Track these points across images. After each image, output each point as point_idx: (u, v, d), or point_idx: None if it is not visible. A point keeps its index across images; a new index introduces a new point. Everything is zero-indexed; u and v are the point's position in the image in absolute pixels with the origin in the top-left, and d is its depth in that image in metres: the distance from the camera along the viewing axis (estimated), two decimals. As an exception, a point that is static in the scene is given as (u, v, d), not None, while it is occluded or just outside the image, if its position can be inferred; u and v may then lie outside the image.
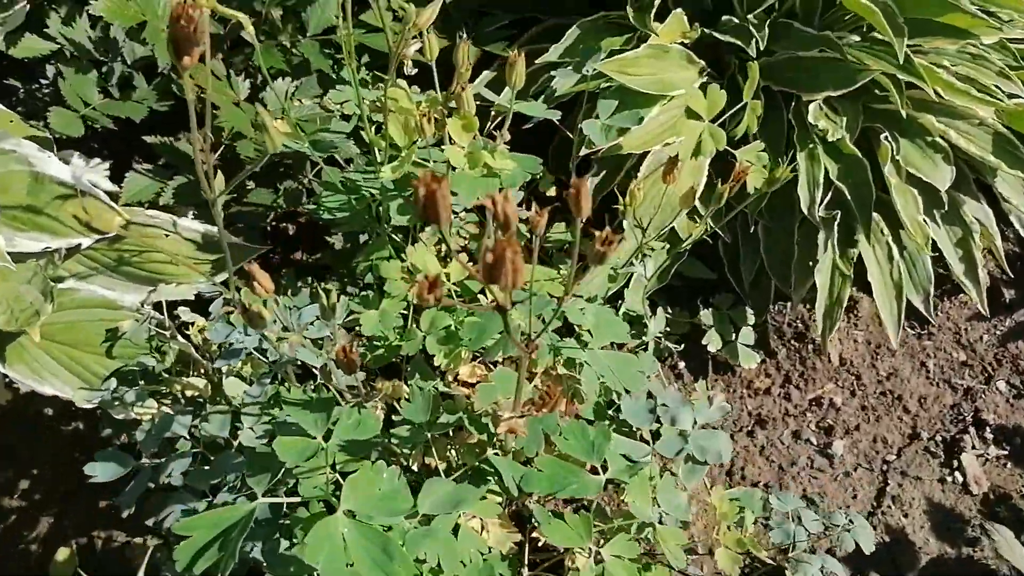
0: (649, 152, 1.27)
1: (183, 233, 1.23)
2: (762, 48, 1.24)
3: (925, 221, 1.27)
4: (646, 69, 1.21)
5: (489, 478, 1.08)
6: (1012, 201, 1.35)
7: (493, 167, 0.99)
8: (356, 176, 1.13)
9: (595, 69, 1.17)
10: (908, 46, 1.14)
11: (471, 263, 1.14)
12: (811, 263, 1.35)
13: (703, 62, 1.29)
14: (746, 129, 1.19)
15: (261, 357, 1.03)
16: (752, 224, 1.35)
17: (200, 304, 1.21)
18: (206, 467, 1.04)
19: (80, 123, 1.25)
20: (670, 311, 1.43)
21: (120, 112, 1.28)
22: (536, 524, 1.15)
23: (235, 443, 1.05)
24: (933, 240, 1.32)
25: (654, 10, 1.25)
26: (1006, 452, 1.45)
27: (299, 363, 0.99)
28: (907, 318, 1.47)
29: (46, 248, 1.12)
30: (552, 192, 1.37)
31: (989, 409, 1.48)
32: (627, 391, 1.11)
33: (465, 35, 0.96)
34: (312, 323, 1.05)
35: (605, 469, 0.98)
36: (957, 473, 1.43)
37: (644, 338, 1.27)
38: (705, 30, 1.31)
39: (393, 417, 1.03)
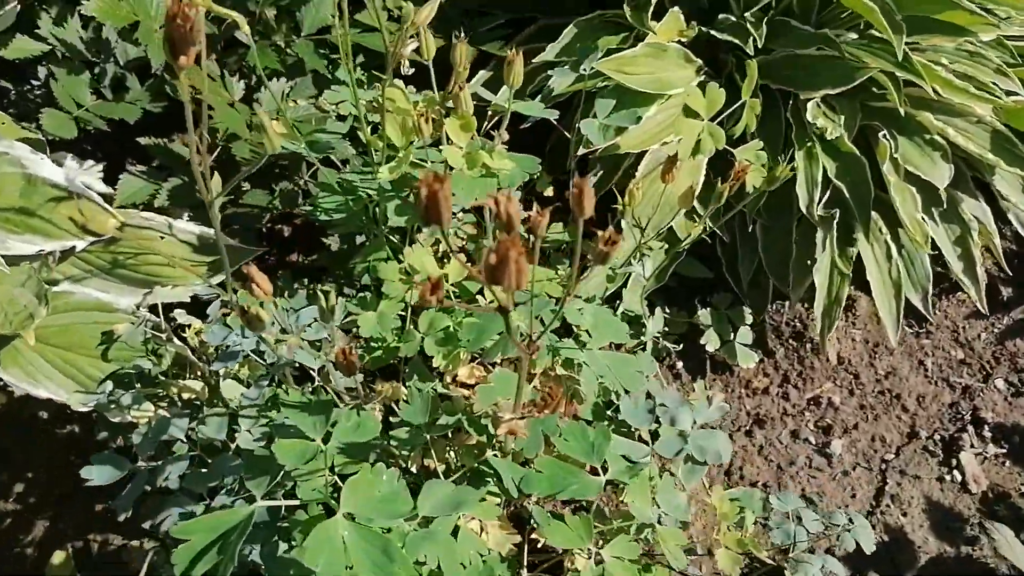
0: (647, 151, 1.26)
1: (178, 235, 1.22)
2: (760, 46, 1.24)
3: (924, 219, 1.27)
4: (644, 68, 1.21)
5: (488, 479, 1.08)
6: (1011, 199, 1.35)
7: (491, 167, 0.99)
8: (353, 177, 1.12)
9: (593, 68, 1.16)
10: (906, 44, 1.14)
11: (469, 264, 1.14)
12: (809, 262, 1.34)
13: (700, 61, 1.29)
14: (744, 128, 1.18)
15: (258, 359, 1.02)
16: (750, 223, 1.35)
17: (196, 306, 1.20)
18: (203, 470, 1.03)
19: (73, 125, 1.24)
20: (668, 311, 1.43)
21: (113, 113, 1.27)
22: (535, 525, 1.14)
23: (232, 446, 1.04)
24: (932, 238, 1.31)
25: (651, 9, 1.24)
26: (1004, 450, 1.45)
27: (297, 365, 0.98)
28: (905, 317, 1.47)
29: (40, 251, 1.11)
30: (550, 192, 1.36)
31: (987, 407, 1.48)
32: (626, 391, 1.11)
33: (466, 32, 0.95)
34: (309, 325, 1.04)
35: (605, 470, 0.98)
36: (956, 472, 1.43)
37: (642, 338, 1.26)
38: (702, 29, 1.30)
39: (391, 419, 1.02)
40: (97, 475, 1.02)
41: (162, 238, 1.20)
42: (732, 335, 1.42)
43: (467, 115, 0.96)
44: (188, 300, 1.20)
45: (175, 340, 1.10)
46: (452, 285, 1.10)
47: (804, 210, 1.25)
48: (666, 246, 1.24)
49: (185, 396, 1.11)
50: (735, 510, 1.05)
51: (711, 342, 1.42)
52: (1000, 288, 1.56)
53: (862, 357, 1.51)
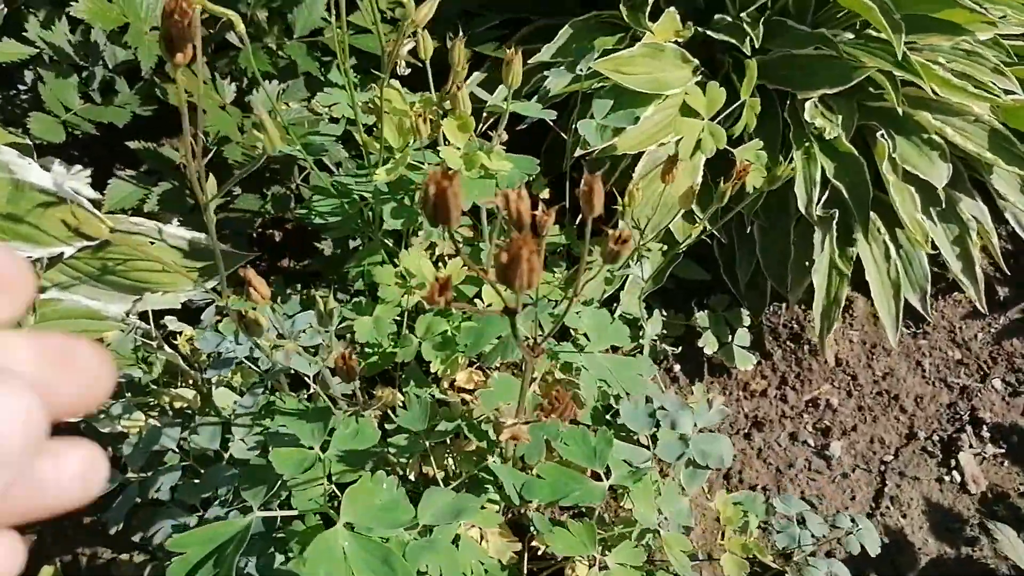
0: (644, 152, 1.25)
1: (169, 240, 1.20)
2: (757, 46, 1.23)
3: (922, 219, 1.26)
4: (641, 68, 1.20)
5: (487, 486, 1.06)
6: (1009, 198, 1.35)
7: (490, 168, 0.97)
8: (348, 179, 1.10)
9: (590, 68, 1.15)
10: (904, 43, 1.13)
11: (465, 267, 1.12)
12: (807, 263, 1.33)
13: (697, 61, 1.28)
14: (743, 128, 1.17)
15: (253, 366, 1.00)
16: (748, 225, 1.34)
17: (187, 313, 1.17)
18: (196, 481, 1.01)
19: (61, 129, 1.22)
20: (665, 313, 1.42)
21: (102, 117, 1.25)
22: (536, 533, 1.13)
23: (226, 456, 1.02)
24: (931, 238, 1.31)
25: (648, 9, 1.23)
26: (1003, 450, 1.44)
27: (291, 372, 0.96)
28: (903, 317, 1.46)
29: (28, 257, 1.08)
30: (546, 194, 1.35)
31: (985, 407, 1.47)
32: (626, 395, 1.09)
33: (462, 32, 0.93)
34: (304, 331, 1.02)
35: (608, 475, 0.96)
36: (955, 472, 1.42)
37: (640, 341, 1.25)
38: (698, 29, 1.29)
39: (386, 426, 1.01)
40: (87, 486, 0.99)
41: (152, 243, 1.18)
42: (730, 337, 1.41)
43: (465, 115, 0.95)
44: (179, 306, 1.18)
45: (166, 347, 1.08)
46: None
47: (803, 210, 1.24)
48: (664, 247, 1.23)
49: (177, 405, 1.09)
50: (739, 514, 1.04)
51: (709, 344, 1.41)
52: (997, 288, 1.56)
53: (860, 358, 1.50)
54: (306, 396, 1.02)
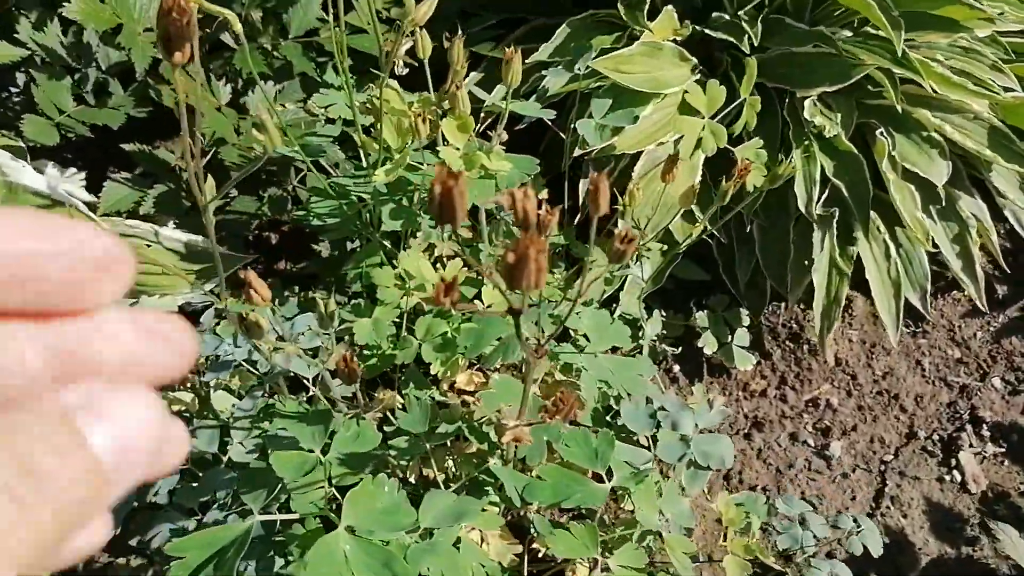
0: (643, 152, 1.24)
1: (165, 243, 1.18)
2: (756, 44, 1.23)
3: (922, 217, 1.26)
4: (640, 67, 1.19)
5: (487, 488, 1.06)
6: (1008, 195, 1.34)
7: (489, 168, 0.96)
8: (346, 180, 1.09)
9: (588, 67, 1.15)
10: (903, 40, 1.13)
11: (465, 268, 1.11)
12: (807, 262, 1.33)
13: (695, 59, 1.28)
14: (743, 127, 1.17)
15: (251, 369, 0.99)
16: (748, 224, 1.33)
17: (184, 316, 1.16)
18: (195, 484, 1.00)
19: (55, 131, 1.20)
20: (664, 314, 1.41)
21: (96, 119, 1.24)
22: (536, 535, 1.12)
23: (225, 459, 1.01)
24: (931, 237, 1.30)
25: (646, 7, 1.23)
26: (1003, 449, 1.44)
27: (290, 375, 0.95)
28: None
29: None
30: (544, 195, 1.34)
31: (985, 406, 1.47)
32: (628, 395, 1.09)
33: (459, 32, 0.93)
34: (303, 333, 1.01)
35: (610, 477, 0.96)
36: (955, 472, 1.42)
37: (640, 341, 1.24)
38: (696, 28, 1.29)
39: (384, 428, 1.00)
40: (84, 491, 0.98)
41: (148, 246, 1.17)
42: (729, 337, 1.40)
43: (465, 115, 0.94)
44: (176, 309, 1.17)
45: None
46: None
47: (803, 209, 1.24)
48: (664, 247, 1.22)
49: (174, 408, 1.08)
50: (741, 515, 1.03)
51: (708, 345, 1.40)
52: (995, 286, 1.55)
53: (859, 358, 1.50)
54: (306, 399, 1.01)
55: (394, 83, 1.01)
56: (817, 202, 1.24)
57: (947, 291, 1.54)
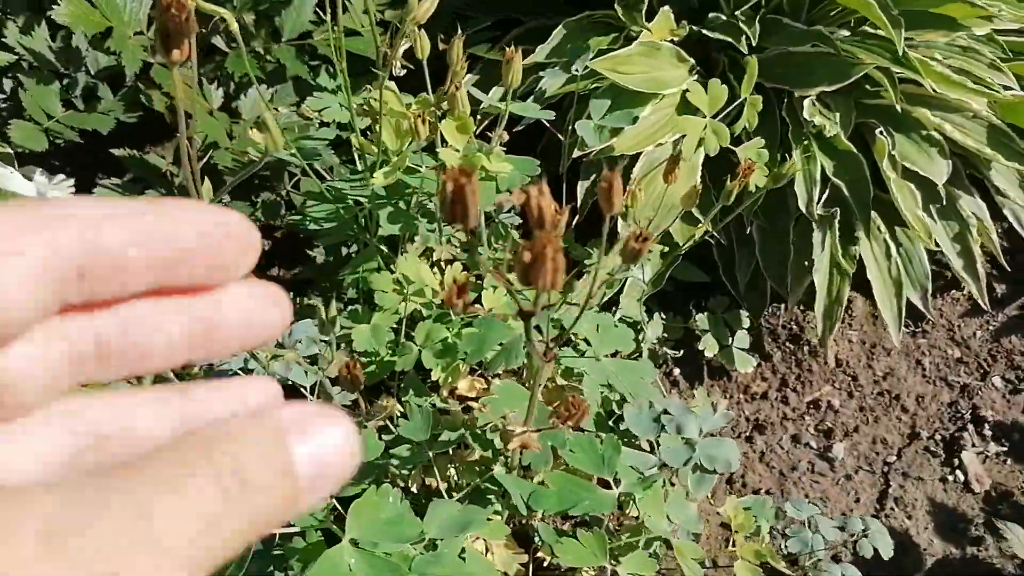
0: (642, 153, 1.23)
1: (157, 250, 1.16)
2: (754, 44, 1.22)
3: (923, 217, 1.25)
4: (639, 67, 1.18)
5: (490, 497, 1.04)
6: (1008, 194, 1.34)
7: (490, 170, 0.95)
8: (343, 184, 1.07)
9: (586, 68, 1.13)
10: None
11: (464, 271, 1.09)
12: (807, 263, 1.32)
13: (692, 60, 1.26)
14: (743, 127, 1.16)
15: (248, 378, 0.97)
16: (748, 225, 1.32)
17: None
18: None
19: (43, 136, 1.18)
20: (663, 316, 1.40)
21: (85, 124, 1.21)
22: (540, 544, 1.10)
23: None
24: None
25: (644, 7, 1.21)
26: (1005, 448, 1.43)
27: (289, 383, 0.93)
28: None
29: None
30: (542, 197, 1.32)
31: (986, 405, 1.46)
32: (630, 400, 1.07)
33: (459, 31, 0.91)
34: (300, 340, 0.99)
35: (617, 483, 0.94)
36: (958, 472, 1.41)
37: (641, 344, 1.23)
38: (693, 28, 1.28)
39: (382, 437, 0.98)
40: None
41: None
42: (730, 340, 1.39)
43: (464, 116, 0.92)
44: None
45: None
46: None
47: (803, 209, 1.23)
48: (665, 249, 1.21)
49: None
50: (751, 520, 1.01)
51: (709, 347, 1.39)
52: (994, 285, 1.55)
53: (860, 358, 1.49)
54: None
55: (392, 84, 1.00)
56: (818, 202, 1.22)
57: (946, 290, 1.54)
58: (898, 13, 1.11)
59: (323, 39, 1.31)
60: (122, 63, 1.18)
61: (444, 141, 0.98)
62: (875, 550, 1.11)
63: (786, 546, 1.09)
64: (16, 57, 1.22)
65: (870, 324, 1.50)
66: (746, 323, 1.40)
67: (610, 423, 1.14)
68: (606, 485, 0.95)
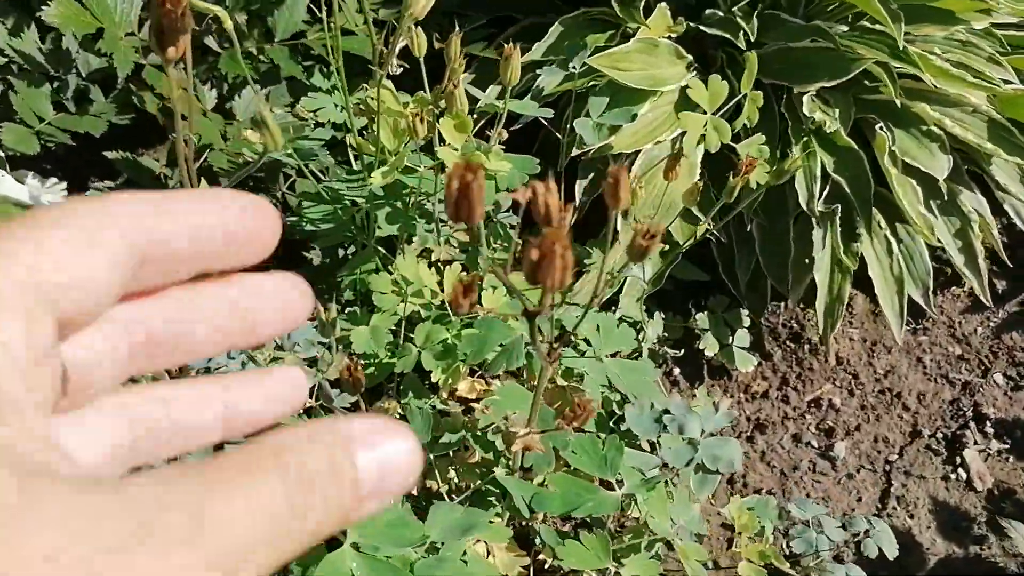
0: (640, 151, 1.22)
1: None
2: (752, 40, 1.21)
3: (925, 213, 1.24)
4: (637, 64, 1.17)
5: (491, 499, 1.03)
6: (1010, 189, 1.33)
7: (489, 169, 0.94)
8: (339, 185, 1.06)
9: (584, 65, 1.12)
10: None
11: (463, 272, 1.08)
12: (807, 261, 1.31)
13: (690, 57, 1.26)
14: (743, 123, 1.15)
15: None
16: (748, 223, 1.31)
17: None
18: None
19: (35, 140, 1.17)
20: (663, 316, 1.39)
21: (78, 127, 1.20)
22: (542, 546, 1.09)
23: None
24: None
25: (641, 3, 1.20)
26: (1007, 446, 1.42)
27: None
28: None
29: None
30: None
31: (988, 403, 1.45)
32: (632, 399, 1.06)
33: (456, 28, 0.90)
34: (298, 344, 0.98)
35: (620, 484, 0.93)
36: (960, 470, 1.40)
37: (642, 344, 1.22)
38: (690, 24, 1.27)
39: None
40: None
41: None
42: (730, 339, 1.38)
43: (463, 114, 0.91)
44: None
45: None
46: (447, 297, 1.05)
47: (804, 206, 1.22)
48: (665, 247, 1.20)
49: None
50: (755, 521, 1.00)
51: (709, 346, 1.38)
52: (994, 281, 1.54)
53: (860, 356, 1.48)
54: (303, 410, 0.98)
55: (388, 83, 0.98)
56: (819, 199, 1.22)
57: (946, 287, 1.53)
58: (897, 7, 1.10)
59: (317, 39, 1.29)
60: (114, 64, 1.16)
61: (442, 140, 0.97)
62: (879, 550, 1.11)
63: (787, 546, 1.08)
64: (6, 60, 1.20)
65: (870, 322, 1.49)
66: (746, 322, 1.39)
67: (610, 424, 1.13)
68: (607, 486, 0.94)
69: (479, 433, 0.97)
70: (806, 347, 1.46)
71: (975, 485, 1.39)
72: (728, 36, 1.22)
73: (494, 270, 0.59)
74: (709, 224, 1.00)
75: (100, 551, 0.17)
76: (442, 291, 1.04)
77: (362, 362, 1.08)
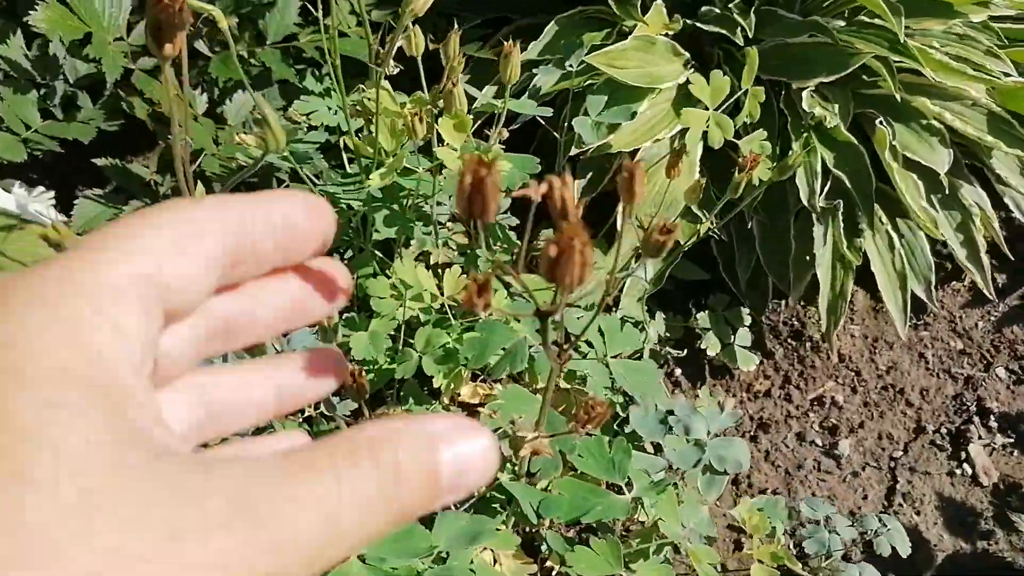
0: (639, 150, 1.21)
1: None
2: (749, 36, 1.20)
3: (927, 207, 1.23)
4: (634, 62, 1.15)
5: (495, 505, 1.01)
6: (1010, 182, 1.32)
7: (489, 168, 0.92)
8: (335, 188, 1.04)
9: (581, 64, 1.11)
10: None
11: (463, 276, 1.06)
12: (808, 258, 1.30)
13: (687, 54, 1.24)
14: (744, 119, 1.14)
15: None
16: (748, 220, 1.30)
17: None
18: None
19: (22, 147, 1.14)
20: (663, 316, 1.37)
21: (66, 134, 1.17)
22: (548, 552, 1.07)
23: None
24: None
25: (639, 1, 1.19)
26: (1012, 440, 1.42)
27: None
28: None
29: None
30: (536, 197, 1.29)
31: (991, 397, 1.45)
32: (639, 401, 1.05)
33: (455, 26, 0.88)
34: (295, 351, 0.96)
35: (629, 487, 0.91)
36: (966, 465, 1.39)
37: (644, 344, 1.20)
38: (686, 22, 1.26)
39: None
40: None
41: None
42: (732, 338, 1.37)
43: (462, 114, 0.90)
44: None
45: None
46: (449, 299, 1.03)
47: (805, 202, 1.21)
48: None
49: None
50: (765, 521, 0.99)
51: (711, 346, 1.36)
52: (995, 275, 1.53)
53: (862, 353, 1.47)
54: (303, 419, 0.96)
55: (386, 84, 0.97)
56: (820, 194, 1.20)
57: (946, 282, 1.52)
58: (897, 1, 1.09)
59: (309, 41, 1.27)
60: (102, 70, 1.14)
61: (440, 140, 0.95)
62: (892, 548, 1.09)
63: (795, 546, 1.07)
64: (-9, 66, 1.18)
65: (871, 318, 1.48)
66: (747, 320, 1.38)
67: (615, 426, 1.12)
68: (614, 489, 0.92)
69: (484, 438, 0.94)
70: (807, 345, 1.45)
71: (981, 480, 1.38)
72: (725, 33, 1.21)
73: (506, 269, 0.57)
74: (713, 222, 0.99)
75: (199, 527, 0.19)
76: (442, 295, 1.02)
77: (362, 369, 1.06)
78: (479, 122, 1.06)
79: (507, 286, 1.06)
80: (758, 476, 1.37)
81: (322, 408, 0.92)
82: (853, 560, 1.24)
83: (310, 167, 1.18)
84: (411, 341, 1.03)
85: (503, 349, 0.98)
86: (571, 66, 1.14)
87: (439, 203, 1.07)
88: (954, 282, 1.52)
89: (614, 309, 1.24)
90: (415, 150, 0.98)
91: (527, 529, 1.13)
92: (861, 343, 1.47)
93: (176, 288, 0.24)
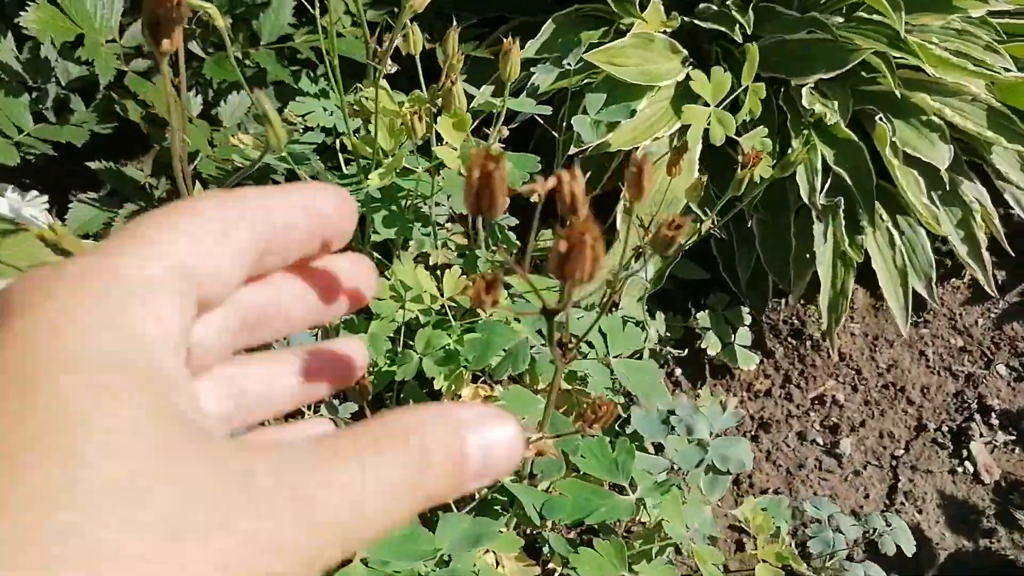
0: (638, 148, 1.20)
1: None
2: (748, 33, 1.19)
3: (928, 203, 1.23)
4: (633, 59, 1.15)
5: (497, 507, 1.00)
6: (1011, 178, 1.32)
7: (489, 167, 0.91)
8: (333, 189, 1.03)
9: (580, 62, 1.10)
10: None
11: (462, 277, 1.05)
12: (808, 256, 1.29)
13: (686, 51, 1.24)
14: (744, 116, 1.13)
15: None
16: (748, 219, 1.29)
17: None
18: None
19: (15, 151, 1.13)
20: (663, 315, 1.36)
21: (59, 137, 1.16)
22: (551, 555, 1.06)
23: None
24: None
25: (637, -1, 1.19)
26: (1013, 437, 1.41)
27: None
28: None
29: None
30: (535, 197, 1.29)
31: (992, 394, 1.44)
32: (638, 401, 1.04)
33: (454, 23, 0.87)
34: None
35: (633, 488, 0.90)
36: (967, 463, 1.38)
37: (645, 344, 1.19)
38: (684, 19, 1.25)
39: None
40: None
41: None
42: (732, 337, 1.36)
43: (461, 112, 0.89)
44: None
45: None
46: (449, 300, 1.02)
47: (806, 199, 1.20)
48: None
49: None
50: (769, 521, 0.98)
51: (711, 345, 1.35)
52: (995, 272, 1.53)
53: (862, 351, 1.46)
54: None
55: (384, 83, 0.96)
56: (820, 192, 1.20)
57: (945, 279, 1.52)
58: (895, -5, 1.09)
59: (304, 42, 1.26)
60: (94, 72, 1.13)
61: (439, 140, 0.94)
62: (897, 547, 1.09)
63: (798, 546, 1.06)
64: (-18, 69, 1.16)
65: (872, 316, 1.48)
66: (747, 319, 1.37)
67: (616, 426, 1.11)
68: (617, 490, 0.91)
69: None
70: (808, 343, 1.44)
71: (982, 478, 1.38)
72: (724, 30, 1.20)
73: (512, 266, 0.56)
74: (715, 220, 0.98)
75: (246, 509, 0.20)
76: (442, 296, 1.01)
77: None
78: (477, 121, 1.05)
79: (507, 287, 1.05)
80: (759, 476, 1.36)
81: (323, 410, 0.91)
82: (856, 559, 1.24)
83: (307, 168, 1.17)
84: (411, 343, 1.02)
85: (504, 350, 0.97)
86: (569, 64, 1.13)
87: (437, 204, 1.06)
88: (954, 279, 1.51)
89: (614, 309, 1.23)
90: (413, 150, 0.97)
91: (528, 531, 1.12)
92: (862, 341, 1.47)
93: (209, 279, 0.24)
